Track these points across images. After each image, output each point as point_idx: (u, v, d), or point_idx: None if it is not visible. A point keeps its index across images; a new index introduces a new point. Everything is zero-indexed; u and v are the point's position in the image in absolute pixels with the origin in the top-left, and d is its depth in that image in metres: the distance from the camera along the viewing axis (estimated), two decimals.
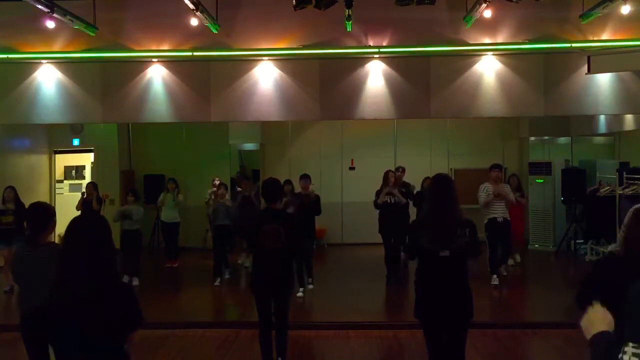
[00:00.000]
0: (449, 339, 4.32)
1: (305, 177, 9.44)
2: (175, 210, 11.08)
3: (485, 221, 9.16)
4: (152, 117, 9.63)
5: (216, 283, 9.73)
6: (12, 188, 9.71)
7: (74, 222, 2.71)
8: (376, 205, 9.68)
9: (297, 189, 9.71)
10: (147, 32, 9.19)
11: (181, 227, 11.39)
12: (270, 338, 5.43)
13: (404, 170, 11.52)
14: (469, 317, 4.33)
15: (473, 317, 4.35)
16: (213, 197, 10.02)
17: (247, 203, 10.14)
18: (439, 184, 4.42)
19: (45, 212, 4.02)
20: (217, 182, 10.35)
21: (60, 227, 2.95)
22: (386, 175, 9.78)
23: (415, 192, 10.79)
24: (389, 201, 9.58)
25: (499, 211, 9.20)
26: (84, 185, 13.09)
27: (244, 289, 9.27)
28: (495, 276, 9.25)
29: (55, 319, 2.49)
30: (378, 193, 9.73)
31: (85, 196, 10.59)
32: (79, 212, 10.86)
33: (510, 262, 10.56)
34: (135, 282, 9.56)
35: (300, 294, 8.84)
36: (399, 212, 9.70)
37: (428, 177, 11.34)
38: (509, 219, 9.32)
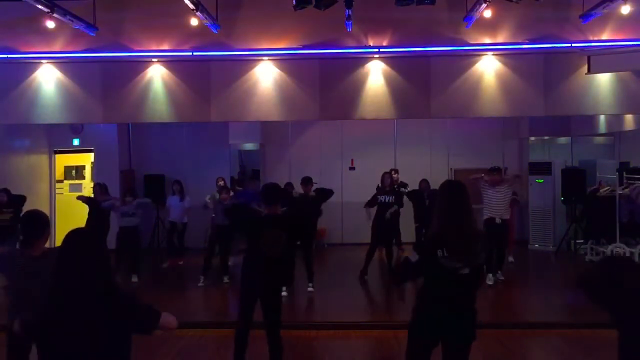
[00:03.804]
0: None
1: (307, 182, 9.47)
2: (183, 211, 11.36)
3: (484, 218, 9.16)
4: (152, 117, 9.64)
5: (200, 284, 9.58)
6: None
7: (68, 238, 2.69)
8: (366, 206, 10.15)
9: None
10: (147, 32, 9.20)
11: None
12: (247, 339, 5.35)
13: (397, 171, 11.59)
14: (472, 339, 3.94)
15: (475, 339, 3.94)
16: (218, 197, 10.03)
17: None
18: (452, 192, 3.93)
19: (40, 220, 3.96)
20: (221, 184, 10.42)
21: (60, 226, 2.96)
22: (383, 177, 9.97)
23: (409, 190, 10.96)
24: (384, 200, 9.70)
25: (498, 212, 9.20)
26: (84, 186, 13.17)
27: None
28: (490, 275, 9.29)
29: (50, 329, 2.48)
30: (374, 196, 9.97)
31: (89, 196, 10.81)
32: (76, 214, 10.94)
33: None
34: (134, 279, 9.63)
35: (310, 289, 9.05)
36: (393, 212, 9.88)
37: (424, 179, 11.42)
38: (506, 218, 9.33)
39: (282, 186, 8.45)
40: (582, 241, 11.68)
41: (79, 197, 10.97)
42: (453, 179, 13.33)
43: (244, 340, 5.35)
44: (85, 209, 10.94)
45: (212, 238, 10.05)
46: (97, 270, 2.59)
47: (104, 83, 9.53)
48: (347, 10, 7.83)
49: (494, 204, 9.21)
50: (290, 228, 5.39)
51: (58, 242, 2.67)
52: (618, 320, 2.52)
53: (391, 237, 10.16)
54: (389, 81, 9.36)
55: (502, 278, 9.50)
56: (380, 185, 10.06)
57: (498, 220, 9.15)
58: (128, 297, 2.67)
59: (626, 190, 10.54)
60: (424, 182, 11.57)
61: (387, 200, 9.78)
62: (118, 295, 2.62)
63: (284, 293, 8.97)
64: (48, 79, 9.55)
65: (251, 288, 5.36)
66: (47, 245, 4.14)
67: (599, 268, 2.76)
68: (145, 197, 11.02)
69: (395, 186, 10.37)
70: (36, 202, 11.96)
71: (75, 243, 2.66)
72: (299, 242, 9.08)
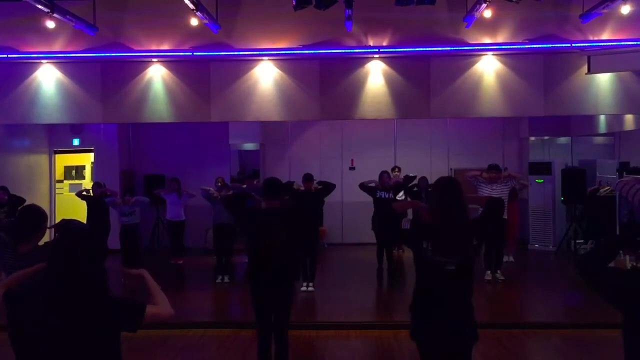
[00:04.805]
0: None
1: (308, 178, 9.46)
2: (181, 209, 11.26)
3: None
4: (152, 117, 9.64)
5: (218, 280, 9.76)
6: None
7: (61, 233, 2.62)
8: (361, 185, 10.11)
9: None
10: (147, 32, 9.21)
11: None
12: (271, 350, 5.20)
13: (400, 169, 11.59)
14: (474, 340, 3.82)
15: (478, 340, 3.82)
16: (218, 196, 10.02)
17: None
18: (442, 187, 3.91)
19: (36, 216, 3.86)
20: (220, 185, 10.44)
21: None
22: (381, 176, 9.96)
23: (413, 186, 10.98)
24: (383, 197, 9.71)
25: None
26: (84, 186, 13.17)
27: (244, 289, 9.26)
28: (489, 272, 9.35)
29: (30, 327, 2.45)
30: (372, 186, 10.01)
31: (88, 192, 10.83)
32: (76, 214, 10.95)
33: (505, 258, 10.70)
34: None
35: (303, 288, 8.96)
36: (392, 208, 9.84)
37: (424, 177, 11.42)
38: (505, 217, 9.33)
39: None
40: (582, 241, 11.68)
41: (78, 193, 10.96)
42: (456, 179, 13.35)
43: (266, 342, 5.18)
44: (85, 209, 10.95)
45: (215, 237, 10.08)
46: (93, 269, 2.56)
47: (104, 83, 9.52)
48: (347, 10, 7.84)
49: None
50: (291, 221, 5.29)
51: None
52: (619, 309, 2.50)
53: (392, 238, 10.11)
54: (389, 81, 9.36)
55: (502, 278, 9.50)
56: (378, 184, 10.08)
57: None
58: (117, 299, 2.63)
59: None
60: (423, 180, 11.55)
61: (385, 197, 9.79)
62: (109, 296, 2.60)
63: (310, 288, 9.02)
64: (48, 79, 9.55)
65: (257, 285, 5.23)
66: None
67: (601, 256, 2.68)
68: (144, 197, 10.98)
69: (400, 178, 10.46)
70: (36, 202, 11.90)
71: (71, 239, 2.62)
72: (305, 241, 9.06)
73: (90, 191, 10.97)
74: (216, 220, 10.03)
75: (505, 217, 9.38)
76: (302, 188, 9.31)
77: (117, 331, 2.58)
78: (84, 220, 10.36)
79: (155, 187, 12.37)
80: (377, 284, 9.99)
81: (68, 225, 2.68)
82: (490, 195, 9.18)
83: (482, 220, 4.14)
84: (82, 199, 10.88)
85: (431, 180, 11.29)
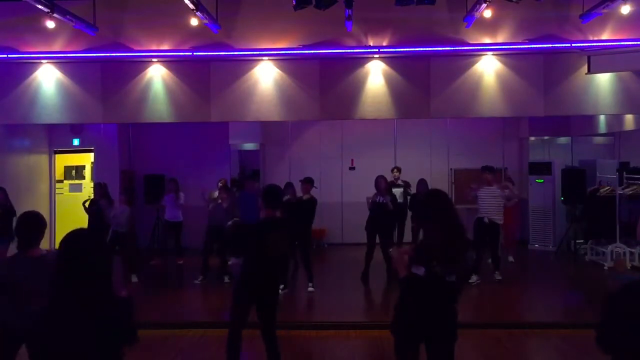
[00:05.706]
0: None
1: (307, 181, 9.44)
2: (178, 210, 11.25)
3: (474, 220, 9.25)
4: (152, 117, 9.64)
5: (196, 281, 9.68)
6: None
7: (70, 238, 2.62)
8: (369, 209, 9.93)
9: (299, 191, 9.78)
10: (147, 32, 9.21)
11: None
12: (241, 342, 5.26)
13: (400, 170, 11.54)
14: (454, 340, 3.99)
15: (457, 339, 3.99)
16: (217, 196, 10.03)
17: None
18: (439, 200, 3.97)
19: (38, 222, 3.99)
20: (220, 185, 10.45)
21: (61, 226, 2.95)
22: (377, 180, 9.76)
23: (411, 193, 10.92)
24: (378, 201, 9.66)
25: (484, 212, 9.24)
26: (84, 186, 13.15)
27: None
28: (474, 275, 9.20)
29: (46, 332, 2.46)
30: (373, 201, 9.89)
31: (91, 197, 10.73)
32: (76, 214, 10.87)
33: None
34: (134, 279, 9.65)
35: (311, 289, 9.00)
36: (388, 212, 9.77)
37: (423, 179, 11.27)
38: (497, 222, 9.27)
39: (283, 186, 8.43)
40: (582, 241, 11.68)
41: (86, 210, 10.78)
42: (452, 179, 13.36)
43: (239, 341, 5.22)
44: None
45: (207, 238, 10.03)
46: (99, 275, 2.57)
47: (104, 83, 9.53)
48: (347, 10, 7.85)
49: (482, 203, 9.28)
50: (289, 229, 5.42)
51: (58, 242, 2.61)
52: None
53: (386, 239, 10.00)
54: (389, 81, 9.37)
55: (499, 278, 9.49)
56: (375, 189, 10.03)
57: (486, 220, 9.18)
58: (123, 309, 2.63)
59: (627, 190, 10.56)
60: (422, 183, 11.45)
61: (382, 201, 9.74)
62: (116, 303, 2.60)
63: (310, 288, 8.99)
64: (48, 79, 9.55)
65: (253, 289, 5.24)
66: (45, 245, 4.15)
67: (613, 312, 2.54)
68: (131, 206, 10.74)
69: (399, 182, 10.40)
70: (36, 202, 11.97)
71: (77, 247, 2.62)
72: (297, 242, 9.11)
73: (87, 203, 10.81)
74: (212, 222, 9.95)
75: (501, 221, 9.35)
76: (299, 195, 9.31)
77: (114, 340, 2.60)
78: (87, 221, 10.38)
79: (154, 187, 12.39)
80: (376, 284, 9.96)
81: (74, 233, 2.68)
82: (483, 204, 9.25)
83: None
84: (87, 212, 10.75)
85: (431, 180, 11.31)
